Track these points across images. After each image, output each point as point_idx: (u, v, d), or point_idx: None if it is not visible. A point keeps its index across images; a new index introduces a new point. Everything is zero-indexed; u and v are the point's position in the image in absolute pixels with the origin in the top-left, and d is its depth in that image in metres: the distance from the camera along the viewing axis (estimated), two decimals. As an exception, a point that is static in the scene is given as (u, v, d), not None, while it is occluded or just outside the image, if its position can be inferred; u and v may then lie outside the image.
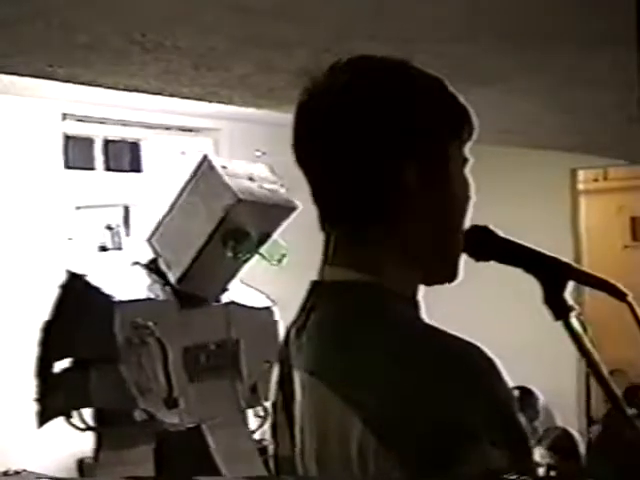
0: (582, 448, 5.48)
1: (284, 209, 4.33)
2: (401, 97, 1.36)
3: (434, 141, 1.36)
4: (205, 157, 4.41)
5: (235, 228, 4.25)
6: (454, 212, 1.40)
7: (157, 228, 4.42)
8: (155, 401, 4.20)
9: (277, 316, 4.53)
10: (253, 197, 4.29)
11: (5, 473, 4.58)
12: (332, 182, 1.37)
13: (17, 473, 4.59)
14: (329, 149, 1.36)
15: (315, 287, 1.42)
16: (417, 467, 1.20)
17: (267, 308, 4.66)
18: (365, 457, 1.24)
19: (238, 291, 4.62)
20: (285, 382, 1.44)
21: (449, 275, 1.44)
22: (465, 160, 1.41)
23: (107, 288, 4.24)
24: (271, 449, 1.52)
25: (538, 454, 4.74)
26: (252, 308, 4.64)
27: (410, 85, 1.37)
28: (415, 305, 1.39)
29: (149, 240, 4.42)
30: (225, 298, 4.55)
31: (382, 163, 1.34)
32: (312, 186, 1.40)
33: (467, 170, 1.41)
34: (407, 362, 1.25)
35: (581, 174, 9.17)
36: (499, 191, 6.80)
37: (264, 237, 4.35)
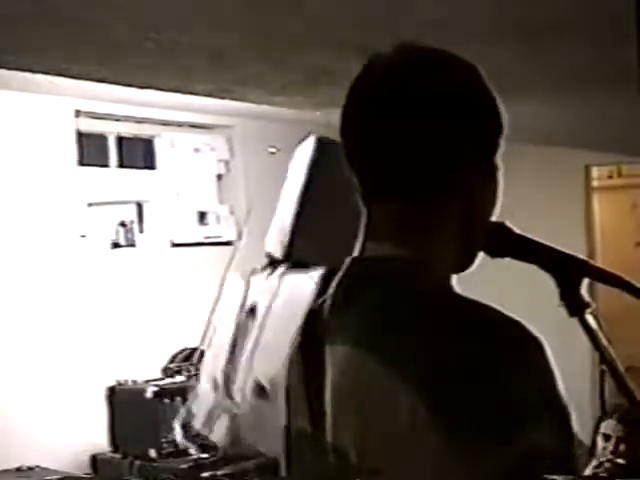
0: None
1: None
2: (468, 87, 1.40)
3: (487, 132, 1.41)
4: None
5: None
6: (487, 200, 1.44)
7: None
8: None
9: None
10: None
11: (19, 469, 4.59)
12: (387, 158, 1.39)
13: (30, 469, 4.60)
14: (392, 126, 1.38)
15: (354, 263, 1.43)
16: (466, 440, 1.21)
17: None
18: (415, 430, 1.24)
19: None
20: (309, 355, 1.44)
21: (467, 263, 1.45)
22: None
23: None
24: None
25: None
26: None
27: (475, 78, 1.42)
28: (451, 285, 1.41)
29: None
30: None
31: (442, 146, 1.37)
32: (359, 161, 1.42)
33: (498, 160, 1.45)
34: (456, 333, 1.27)
35: (595, 171, 9.16)
36: (513, 187, 6.77)
37: None
